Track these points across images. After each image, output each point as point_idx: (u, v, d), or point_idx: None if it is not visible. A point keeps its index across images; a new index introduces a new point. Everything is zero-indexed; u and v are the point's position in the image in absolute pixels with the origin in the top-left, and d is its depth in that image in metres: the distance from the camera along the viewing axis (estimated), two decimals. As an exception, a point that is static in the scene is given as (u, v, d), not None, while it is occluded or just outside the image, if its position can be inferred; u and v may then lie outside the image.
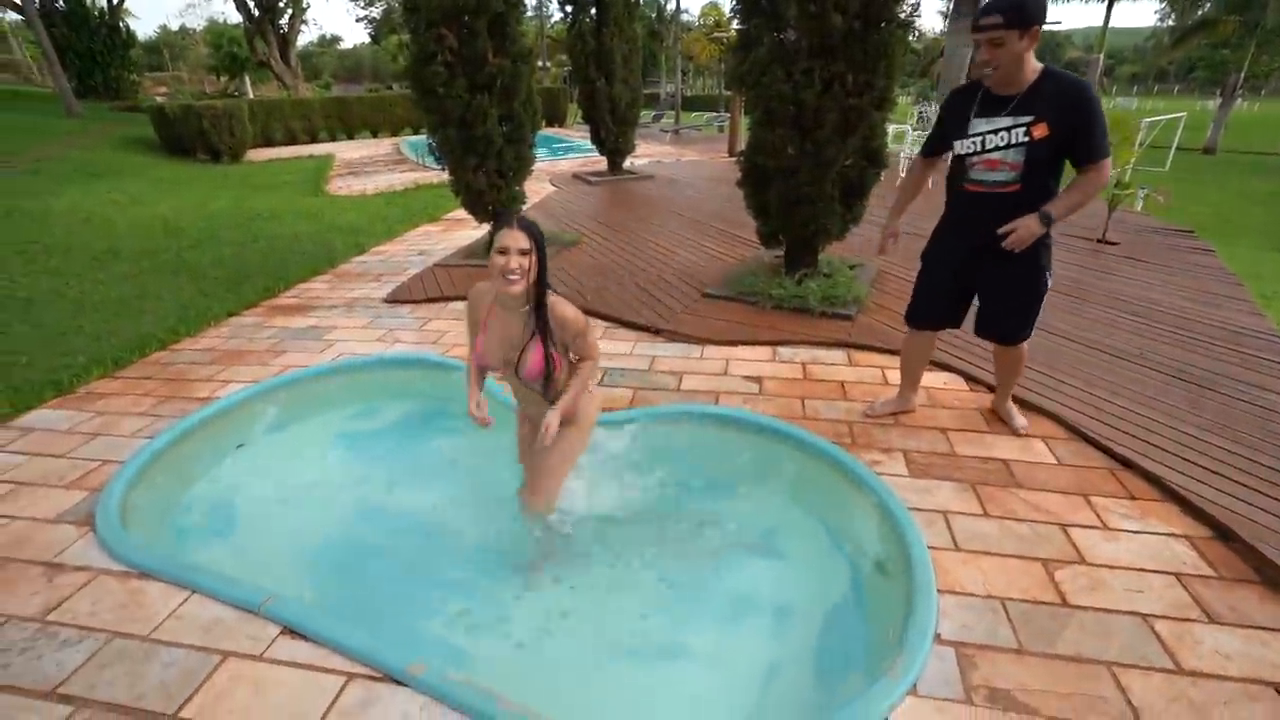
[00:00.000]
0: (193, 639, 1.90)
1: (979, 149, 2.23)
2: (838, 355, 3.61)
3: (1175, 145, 14.79)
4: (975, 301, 2.65)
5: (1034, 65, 2.14)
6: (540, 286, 1.96)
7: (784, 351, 3.68)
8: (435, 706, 1.67)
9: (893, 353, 3.60)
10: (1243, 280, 4.95)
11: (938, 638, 1.84)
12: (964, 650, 1.81)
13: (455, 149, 5.12)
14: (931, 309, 2.69)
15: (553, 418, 2.07)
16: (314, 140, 17.22)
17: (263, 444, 3.08)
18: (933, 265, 2.63)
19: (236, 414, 3.14)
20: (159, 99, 19.47)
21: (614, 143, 9.91)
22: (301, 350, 3.87)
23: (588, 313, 4.36)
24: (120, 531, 2.28)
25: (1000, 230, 2.22)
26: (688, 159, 13.21)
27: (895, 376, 3.35)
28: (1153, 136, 13.46)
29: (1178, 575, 2.08)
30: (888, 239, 2.74)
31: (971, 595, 2.00)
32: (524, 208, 6.17)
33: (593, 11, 9.00)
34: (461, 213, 7.59)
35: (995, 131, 2.18)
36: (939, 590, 1.99)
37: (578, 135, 17.79)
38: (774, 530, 2.44)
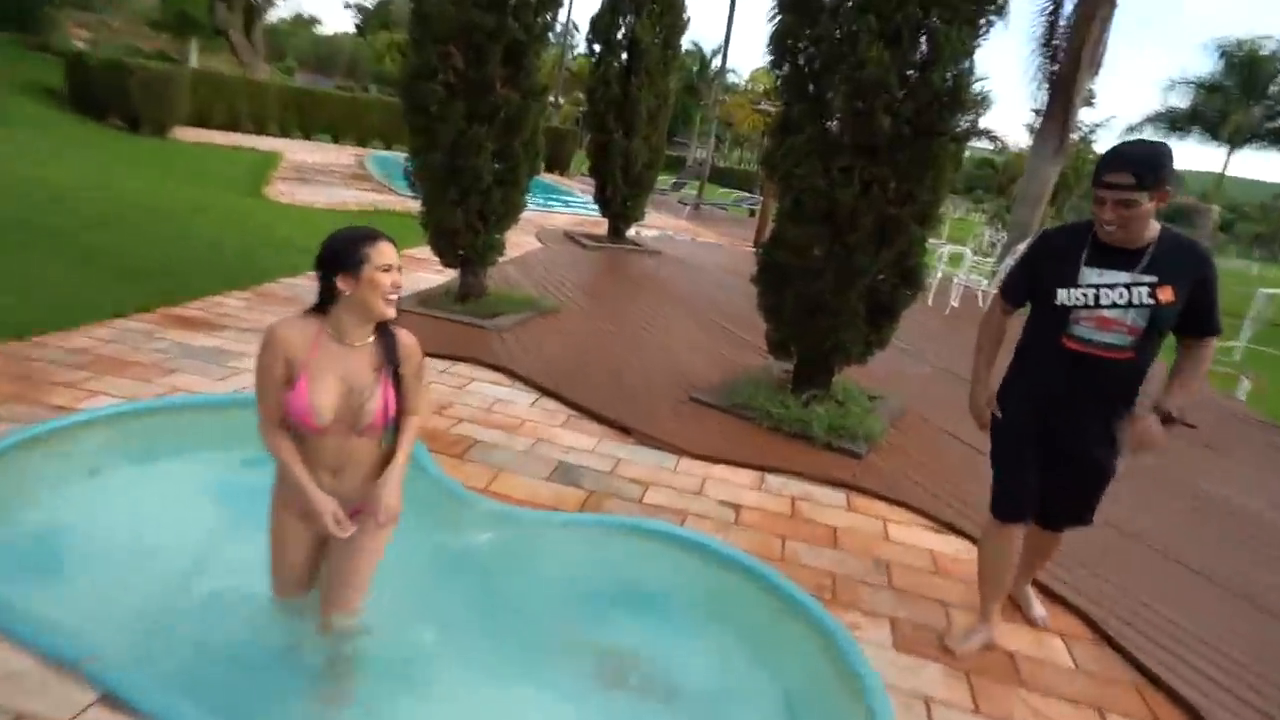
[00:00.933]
0: (-16, 691, 1.97)
1: (1090, 302, 2.35)
2: (835, 496, 3.84)
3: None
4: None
5: (1154, 221, 2.32)
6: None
7: (773, 481, 3.91)
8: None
9: (900, 504, 3.84)
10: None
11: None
12: None
13: (437, 178, 5.57)
14: (1026, 494, 2.68)
15: (391, 493, 2.08)
16: (262, 132, 18.14)
17: (123, 476, 3.20)
18: (1015, 437, 2.67)
19: (99, 433, 3.29)
20: (80, 44, 20.61)
21: (620, 205, 10.61)
22: (198, 373, 4.06)
23: (552, 396, 4.63)
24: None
25: (1133, 445, 2.40)
26: (705, 240, 14.00)
27: (898, 532, 3.58)
28: (1273, 311, 13.61)
29: (1188, 820, 2.23)
30: (987, 408, 2.74)
31: (940, 800, 2.13)
32: (500, 260, 6.57)
33: (624, 56, 9.94)
34: (424, 251, 7.97)
35: (1113, 287, 2.32)
36: (903, 787, 2.13)
37: (578, 187, 18.81)
38: (715, 681, 2.60)
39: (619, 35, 9.87)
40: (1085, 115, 29.91)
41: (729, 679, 2.63)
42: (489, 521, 3.14)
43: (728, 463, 4.02)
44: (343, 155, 17.26)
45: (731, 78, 41.18)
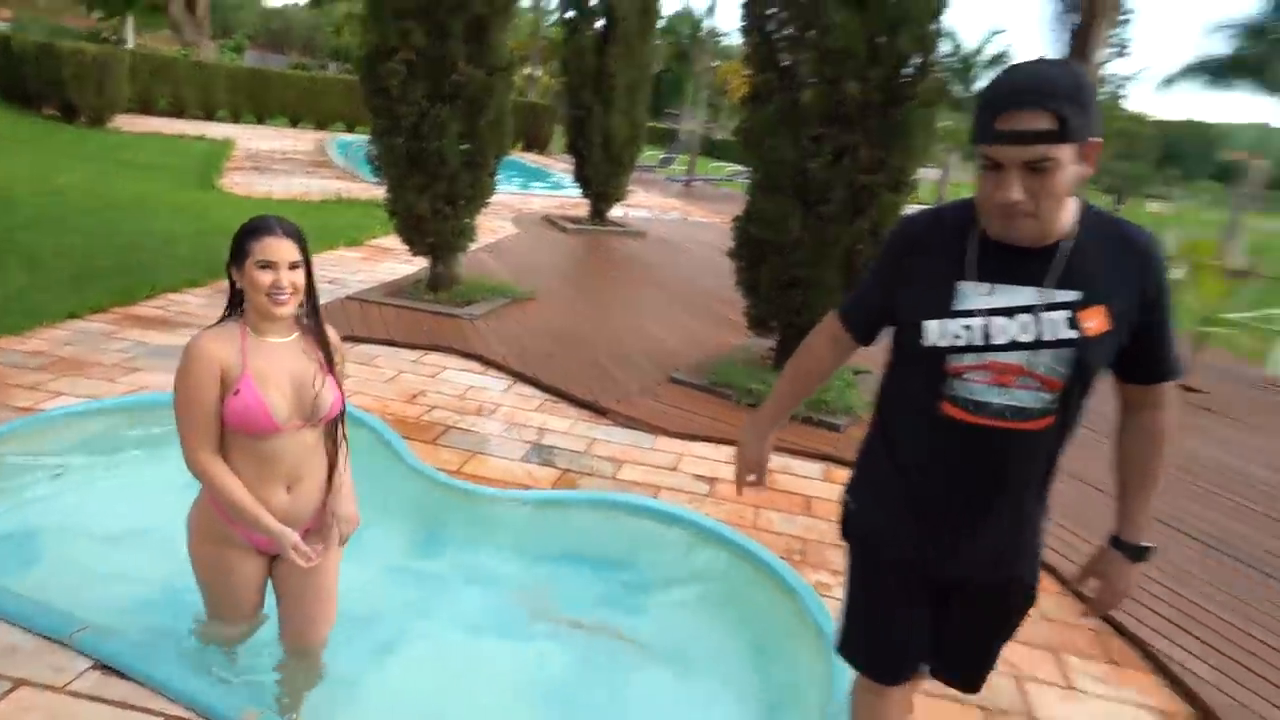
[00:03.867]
0: (-22, 662, 2.32)
1: (978, 341, 1.56)
2: (813, 468, 4.21)
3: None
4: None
5: (1071, 201, 1.53)
6: (313, 301, 2.12)
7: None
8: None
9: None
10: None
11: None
12: None
13: (400, 163, 5.90)
14: (895, 641, 1.89)
15: (350, 502, 2.27)
16: (210, 117, 18.49)
17: (94, 472, 3.56)
18: (880, 564, 1.86)
19: (64, 430, 3.64)
20: (1, 24, 20.96)
21: (602, 185, 10.94)
22: (162, 370, 4.39)
23: (527, 381, 4.98)
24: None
25: (1098, 601, 1.81)
26: (695, 219, 14.34)
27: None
28: None
29: (1135, 750, 2.59)
30: (750, 472, 2.07)
31: (893, 734, 2.48)
32: (473, 247, 6.92)
33: (599, 24, 10.25)
34: (390, 240, 8.34)
35: (1011, 313, 1.55)
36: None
37: (559, 166, 19.14)
38: (686, 638, 2.99)
39: (593, 1, 10.18)
40: (1117, 67, 30.33)
41: (693, 630, 3.02)
42: (458, 501, 3.53)
43: (705, 439, 4.36)
44: (302, 141, 17.58)
45: (725, 41, 41.33)
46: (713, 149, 34.92)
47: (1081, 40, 15.07)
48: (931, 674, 1.99)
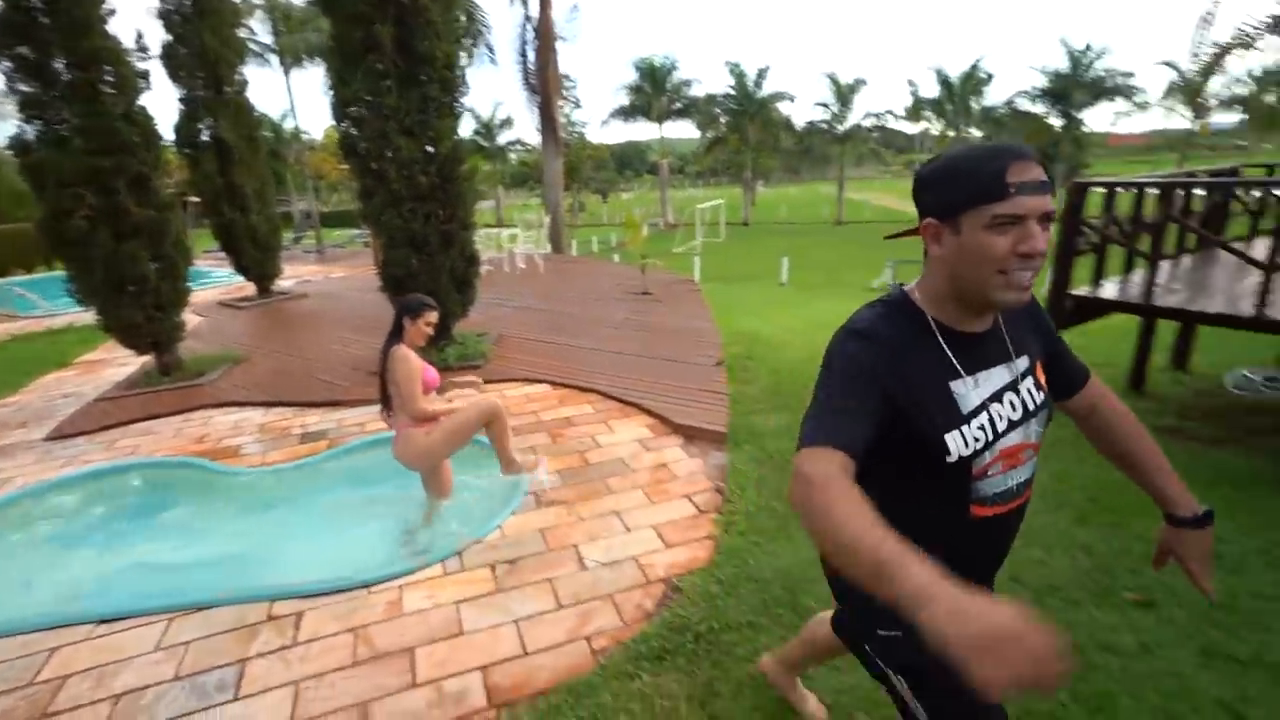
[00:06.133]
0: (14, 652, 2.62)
1: (990, 437, 1.13)
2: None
3: (724, 221, 22.33)
4: None
5: None
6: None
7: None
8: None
9: (508, 380, 5.53)
10: (715, 305, 8.40)
11: (528, 493, 3.68)
12: (536, 493, 3.67)
13: (103, 291, 5.58)
14: None
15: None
16: None
17: None
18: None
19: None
20: None
21: (259, 269, 10.47)
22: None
23: (275, 404, 5.37)
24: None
25: (1202, 574, 1.25)
26: (337, 275, 14.14)
27: (512, 391, 5.28)
28: (712, 216, 21.03)
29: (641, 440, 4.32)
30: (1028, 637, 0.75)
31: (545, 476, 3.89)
32: (184, 335, 6.67)
33: (216, 153, 9.66)
34: (98, 354, 7.52)
35: (1000, 397, 1.15)
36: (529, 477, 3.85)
37: (207, 264, 16.99)
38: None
39: (204, 137, 9.55)
40: (577, 115, 34.75)
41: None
42: (269, 475, 4.15)
43: (408, 396, 5.31)
44: (-77, 300, 13.25)
45: (306, 136, 37.87)
46: (323, 220, 32.60)
47: (546, 110, 17.57)
48: None
